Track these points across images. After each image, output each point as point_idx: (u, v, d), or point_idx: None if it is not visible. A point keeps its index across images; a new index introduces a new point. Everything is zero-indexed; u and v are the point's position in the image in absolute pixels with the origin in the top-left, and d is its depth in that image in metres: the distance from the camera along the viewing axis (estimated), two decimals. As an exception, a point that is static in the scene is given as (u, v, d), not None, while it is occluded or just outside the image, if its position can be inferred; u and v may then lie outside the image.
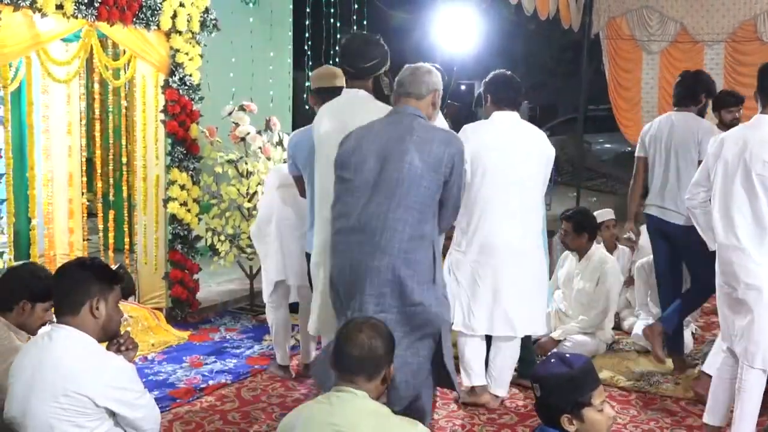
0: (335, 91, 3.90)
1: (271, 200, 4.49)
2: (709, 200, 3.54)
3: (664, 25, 9.68)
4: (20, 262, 3.54)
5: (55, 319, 2.55)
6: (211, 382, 4.36)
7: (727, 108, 5.64)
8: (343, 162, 3.10)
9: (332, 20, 9.27)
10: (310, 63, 8.95)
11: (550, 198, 11.91)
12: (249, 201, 5.71)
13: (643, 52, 9.87)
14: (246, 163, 5.68)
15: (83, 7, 4.48)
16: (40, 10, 4.25)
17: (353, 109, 3.34)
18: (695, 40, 9.53)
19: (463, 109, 13.18)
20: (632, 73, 9.94)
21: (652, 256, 5.24)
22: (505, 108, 3.99)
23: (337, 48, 9.67)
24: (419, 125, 3.07)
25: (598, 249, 4.99)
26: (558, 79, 17.73)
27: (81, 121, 5.89)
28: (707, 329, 5.47)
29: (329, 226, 3.18)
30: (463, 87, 18.23)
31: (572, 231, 4.88)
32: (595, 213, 5.63)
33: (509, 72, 4.13)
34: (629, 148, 12.38)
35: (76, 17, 4.49)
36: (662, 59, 9.81)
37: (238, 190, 5.75)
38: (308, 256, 3.80)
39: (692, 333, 5.08)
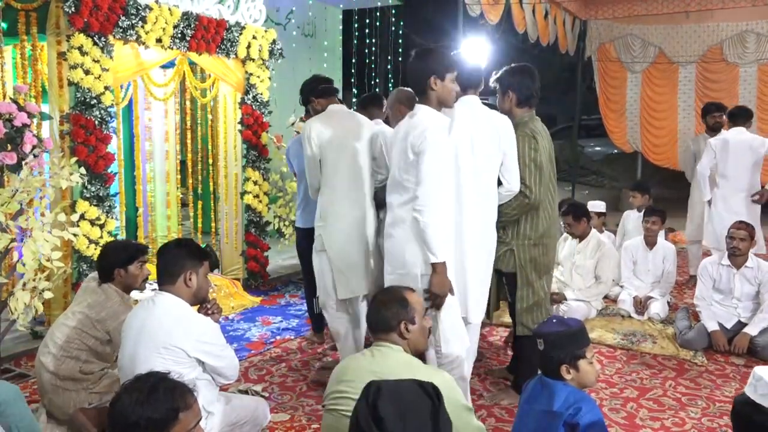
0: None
1: None
2: None
3: (645, 49, 9.48)
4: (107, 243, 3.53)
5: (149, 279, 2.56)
6: (278, 337, 4.40)
7: (711, 114, 5.69)
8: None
9: (373, 49, 9.25)
10: (356, 82, 8.93)
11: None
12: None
13: (628, 71, 9.68)
14: (305, 164, 5.70)
15: (177, 41, 4.53)
16: (143, 44, 4.31)
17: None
18: (671, 62, 9.31)
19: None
20: (619, 89, 9.76)
21: (636, 238, 5.17)
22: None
23: (375, 71, 9.65)
24: None
25: (594, 233, 4.92)
26: (557, 94, 17.45)
27: (176, 130, 5.97)
28: (680, 299, 5.35)
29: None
30: (479, 101, 18.06)
31: (573, 221, 4.80)
32: (589, 203, 5.56)
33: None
34: (615, 151, 12.15)
35: (172, 49, 4.54)
36: (644, 77, 9.61)
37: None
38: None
39: (668, 302, 4.97)
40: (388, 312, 2.26)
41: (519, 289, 3.19)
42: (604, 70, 9.79)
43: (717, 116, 5.59)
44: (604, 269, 4.80)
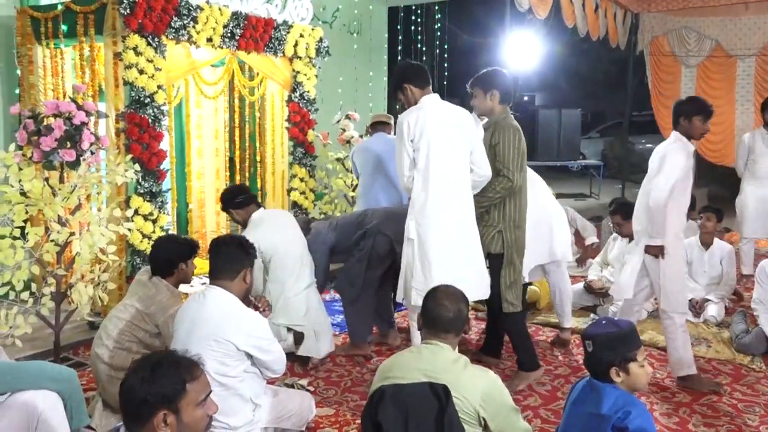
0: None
1: None
2: None
3: (700, 42, 9.15)
4: (160, 238, 3.60)
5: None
6: (323, 333, 4.42)
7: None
8: None
9: (419, 45, 9.22)
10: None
11: (600, 188, 11.51)
12: (353, 191, 5.76)
13: (682, 65, 9.37)
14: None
15: (227, 40, 4.62)
16: (195, 43, 4.41)
17: None
18: (729, 55, 8.96)
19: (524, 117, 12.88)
20: (672, 84, 9.46)
21: (691, 238, 5.01)
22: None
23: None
24: None
25: None
26: (606, 90, 17.05)
27: (225, 128, 6.06)
28: (737, 302, 5.16)
29: None
30: (525, 98, 17.83)
31: (622, 220, 4.71)
32: None
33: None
34: (668, 148, 11.78)
35: (222, 48, 4.64)
36: (699, 72, 9.28)
37: (344, 182, 5.81)
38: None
39: (725, 306, 4.80)
40: (460, 311, 2.28)
41: (503, 268, 3.41)
42: (656, 64, 9.50)
43: None
44: None
